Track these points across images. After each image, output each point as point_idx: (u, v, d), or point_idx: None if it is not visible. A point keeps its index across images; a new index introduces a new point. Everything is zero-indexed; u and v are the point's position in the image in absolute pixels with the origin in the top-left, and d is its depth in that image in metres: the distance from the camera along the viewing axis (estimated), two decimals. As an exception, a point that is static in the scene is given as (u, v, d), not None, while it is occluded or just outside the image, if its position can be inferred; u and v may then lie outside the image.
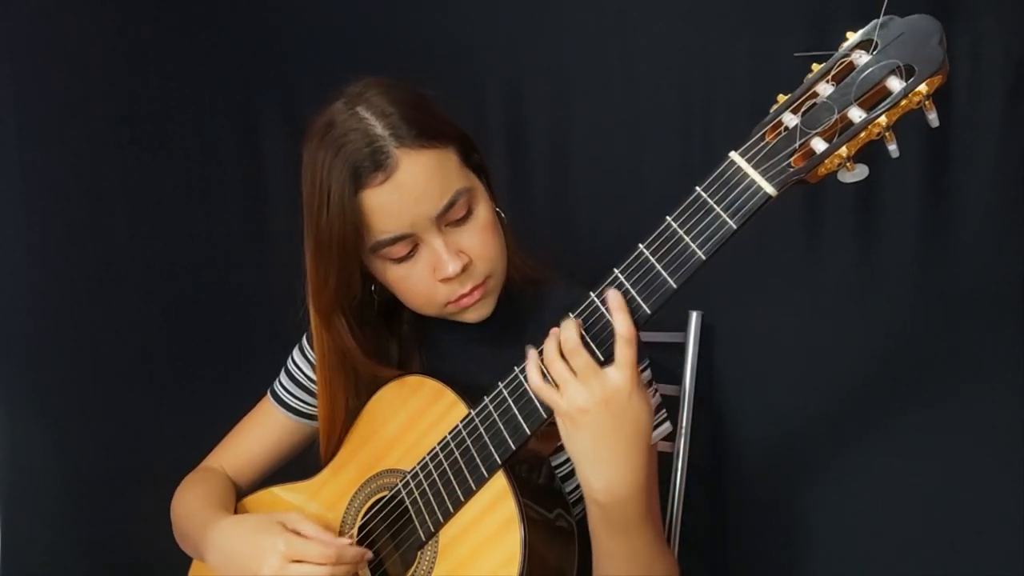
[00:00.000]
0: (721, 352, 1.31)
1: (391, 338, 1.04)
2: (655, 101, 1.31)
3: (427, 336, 1.04)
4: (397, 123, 0.85)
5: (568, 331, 0.77)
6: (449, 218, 0.87)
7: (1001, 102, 1.10)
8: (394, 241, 0.87)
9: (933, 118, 0.65)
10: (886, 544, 1.23)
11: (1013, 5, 1.08)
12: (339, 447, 1.03)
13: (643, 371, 0.98)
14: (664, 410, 1.00)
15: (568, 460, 0.96)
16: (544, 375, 0.80)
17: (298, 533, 0.90)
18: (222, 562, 0.93)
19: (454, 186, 0.87)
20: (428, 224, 0.86)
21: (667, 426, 1.00)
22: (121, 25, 1.54)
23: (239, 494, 1.11)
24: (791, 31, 1.20)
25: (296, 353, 1.13)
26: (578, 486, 0.96)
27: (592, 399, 0.75)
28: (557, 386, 0.78)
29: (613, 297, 0.76)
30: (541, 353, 0.80)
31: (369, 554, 0.92)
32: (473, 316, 0.93)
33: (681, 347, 1.29)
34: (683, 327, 1.29)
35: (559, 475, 0.95)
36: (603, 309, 0.78)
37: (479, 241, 0.89)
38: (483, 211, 0.91)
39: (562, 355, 0.78)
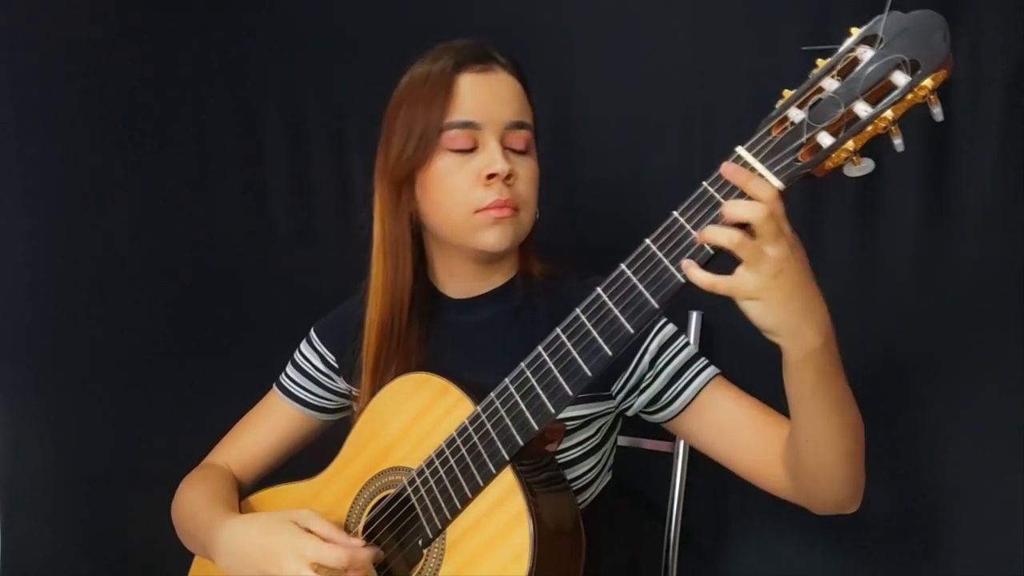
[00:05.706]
0: (721, 352, 1.31)
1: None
2: (656, 99, 1.31)
3: (437, 317, 1.04)
4: (503, 53, 0.98)
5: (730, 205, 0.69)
6: (513, 138, 0.96)
7: (1001, 101, 1.11)
8: (464, 126, 0.94)
9: (937, 112, 0.66)
10: (885, 542, 1.22)
11: (1013, 5, 1.09)
12: (343, 444, 1.02)
13: (664, 325, 0.98)
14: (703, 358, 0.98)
15: (571, 448, 0.98)
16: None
17: (311, 532, 0.89)
18: (234, 564, 0.92)
19: (529, 117, 0.98)
20: (497, 127, 0.94)
21: (713, 369, 0.97)
22: (121, 25, 1.54)
23: (243, 490, 1.11)
24: (792, 28, 1.20)
25: (304, 345, 1.13)
26: (582, 475, 0.98)
27: (780, 254, 0.68)
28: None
29: (733, 171, 0.69)
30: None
31: (381, 554, 0.92)
32: (493, 238, 0.95)
33: (682, 347, 1.28)
34: (683, 327, 1.28)
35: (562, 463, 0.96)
36: (610, 305, 0.77)
37: (526, 173, 0.97)
38: (534, 162, 0.99)
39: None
